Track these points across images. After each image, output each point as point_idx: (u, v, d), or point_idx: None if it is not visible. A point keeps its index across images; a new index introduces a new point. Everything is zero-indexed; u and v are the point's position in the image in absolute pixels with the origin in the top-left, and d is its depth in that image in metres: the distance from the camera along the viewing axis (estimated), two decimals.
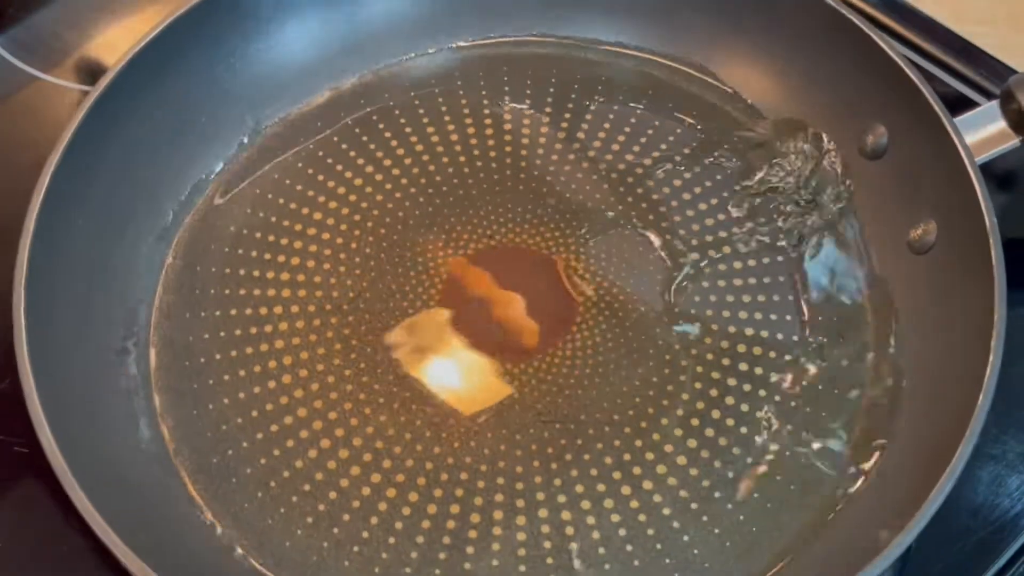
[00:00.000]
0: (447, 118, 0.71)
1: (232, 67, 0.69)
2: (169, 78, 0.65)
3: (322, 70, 0.72)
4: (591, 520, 0.55)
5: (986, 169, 0.59)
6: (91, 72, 0.77)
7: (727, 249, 0.64)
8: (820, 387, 0.59)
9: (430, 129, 0.70)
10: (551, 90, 0.72)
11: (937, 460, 0.50)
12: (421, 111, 0.71)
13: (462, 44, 0.74)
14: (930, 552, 0.56)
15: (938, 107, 0.59)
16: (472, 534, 0.55)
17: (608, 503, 0.55)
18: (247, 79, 0.69)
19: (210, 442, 0.58)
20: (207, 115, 0.68)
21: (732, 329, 0.61)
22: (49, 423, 0.51)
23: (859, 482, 0.56)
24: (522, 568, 0.54)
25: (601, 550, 0.54)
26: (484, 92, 0.72)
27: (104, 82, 0.62)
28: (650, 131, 0.70)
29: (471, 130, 0.70)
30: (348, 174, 0.68)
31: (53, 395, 0.52)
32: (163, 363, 0.60)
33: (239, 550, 0.54)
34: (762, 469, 0.56)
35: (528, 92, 0.72)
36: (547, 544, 0.54)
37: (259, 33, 0.69)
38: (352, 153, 0.69)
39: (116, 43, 0.79)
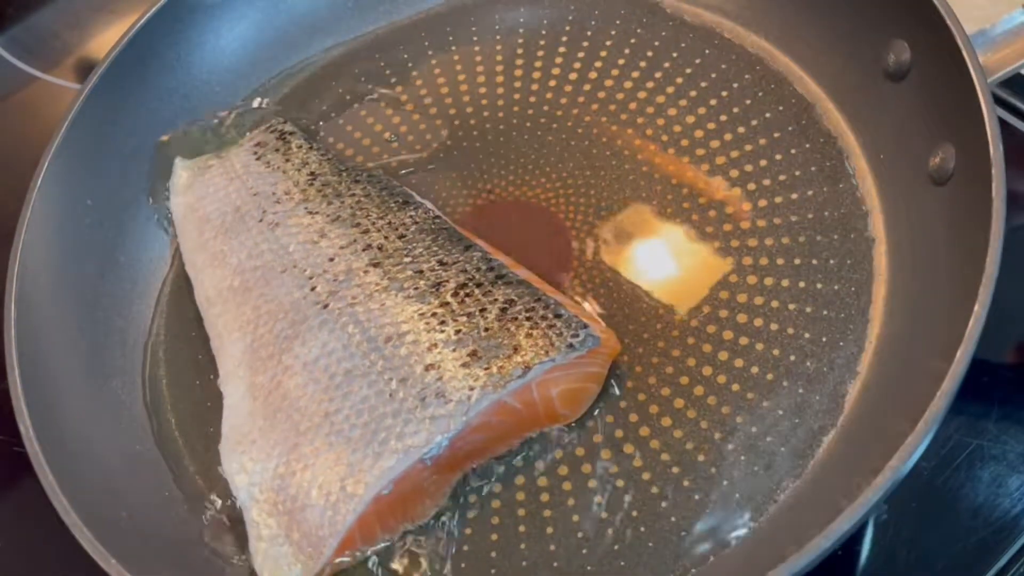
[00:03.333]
0: (437, 70, 0.78)
1: (239, 34, 0.79)
2: (172, 45, 0.76)
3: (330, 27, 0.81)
4: (567, 486, 0.60)
5: None
6: (91, 72, 0.86)
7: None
8: (825, 340, 0.63)
9: (440, 81, 0.78)
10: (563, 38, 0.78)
11: (921, 403, 0.52)
12: (413, 71, 0.79)
13: None
14: (931, 552, 0.60)
15: (951, 21, 0.61)
16: None
17: (586, 468, 0.61)
18: (255, 44, 0.80)
19: (210, 411, 0.67)
20: (220, 84, 0.79)
21: (723, 293, 0.65)
22: (29, 410, 0.60)
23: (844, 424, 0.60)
24: (495, 536, 0.60)
25: (575, 517, 0.60)
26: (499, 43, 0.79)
27: (115, 50, 0.74)
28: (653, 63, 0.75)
29: (464, 87, 0.77)
30: (357, 134, 0.77)
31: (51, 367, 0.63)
32: (171, 332, 0.71)
33: (226, 519, 0.63)
34: (752, 430, 0.60)
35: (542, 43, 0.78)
36: (520, 511, 0.60)
37: None
38: (363, 112, 0.78)
39: None
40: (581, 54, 0.76)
